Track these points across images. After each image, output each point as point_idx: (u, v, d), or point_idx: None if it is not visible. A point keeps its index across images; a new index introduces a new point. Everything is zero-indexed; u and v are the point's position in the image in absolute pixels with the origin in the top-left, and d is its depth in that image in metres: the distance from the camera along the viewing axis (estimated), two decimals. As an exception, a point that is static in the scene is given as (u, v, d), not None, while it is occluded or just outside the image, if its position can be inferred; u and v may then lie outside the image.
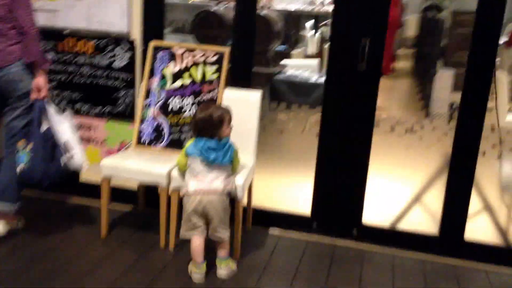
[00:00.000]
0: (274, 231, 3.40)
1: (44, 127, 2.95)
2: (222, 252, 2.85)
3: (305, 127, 4.26)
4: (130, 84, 3.45)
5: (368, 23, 3.07)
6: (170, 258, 3.01)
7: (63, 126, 3.00)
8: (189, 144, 2.81)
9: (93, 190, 3.55)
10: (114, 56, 3.43)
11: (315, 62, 5.64)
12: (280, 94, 3.28)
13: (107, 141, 3.59)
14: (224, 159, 2.75)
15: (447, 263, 3.14)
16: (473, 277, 3.04)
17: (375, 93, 3.16)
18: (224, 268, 2.84)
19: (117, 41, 3.41)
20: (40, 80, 2.94)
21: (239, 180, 2.89)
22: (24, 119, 2.98)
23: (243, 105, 3.18)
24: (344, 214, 3.36)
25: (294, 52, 6.14)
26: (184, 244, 3.04)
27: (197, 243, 2.76)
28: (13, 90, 2.92)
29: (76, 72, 3.51)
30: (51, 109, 3.00)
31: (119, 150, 3.56)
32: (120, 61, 3.43)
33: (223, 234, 2.79)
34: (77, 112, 3.53)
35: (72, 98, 3.55)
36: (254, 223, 3.38)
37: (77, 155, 3.02)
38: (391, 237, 3.32)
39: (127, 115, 3.50)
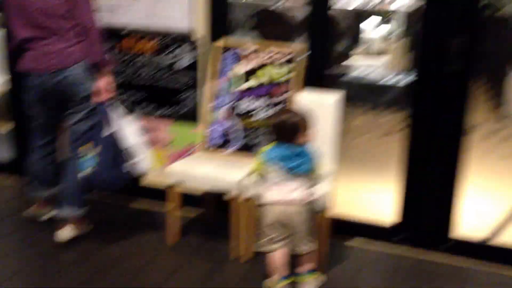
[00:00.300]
0: (355, 242, 3.15)
1: (107, 132, 2.80)
2: (307, 266, 2.61)
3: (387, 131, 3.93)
4: (194, 85, 3.27)
5: (460, 21, 2.78)
6: (245, 271, 2.79)
7: (129, 130, 2.84)
8: (266, 149, 2.59)
9: (155, 193, 3.40)
10: (176, 56, 3.26)
11: (382, 61, 5.34)
12: (350, 96, 3.03)
13: (172, 143, 3.42)
14: (305, 167, 2.51)
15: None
16: None
17: (467, 95, 2.86)
18: (311, 282, 2.60)
19: (179, 40, 3.23)
20: (102, 83, 2.79)
21: (323, 189, 2.65)
22: (86, 123, 2.84)
23: (320, 107, 2.93)
24: (433, 225, 3.05)
25: (356, 51, 5.86)
26: (257, 256, 2.83)
27: (278, 257, 2.53)
28: (74, 94, 2.78)
29: (139, 73, 3.35)
30: (116, 113, 2.84)
31: (183, 153, 3.39)
32: (183, 61, 3.25)
33: (309, 246, 2.56)
34: (140, 113, 3.37)
35: (135, 99, 3.39)
36: (333, 234, 3.13)
37: (142, 160, 2.85)
38: (488, 251, 2.99)
39: (192, 117, 3.31)
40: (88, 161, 2.75)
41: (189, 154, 3.36)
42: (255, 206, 2.68)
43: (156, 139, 3.41)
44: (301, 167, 2.50)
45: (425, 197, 3.02)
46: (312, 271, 2.61)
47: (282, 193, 2.49)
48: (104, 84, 2.78)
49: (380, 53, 6.34)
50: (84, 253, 2.90)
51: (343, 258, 2.96)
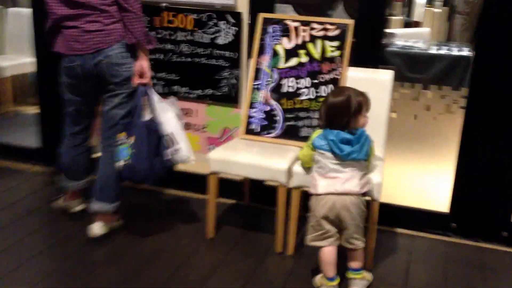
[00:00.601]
0: (405, 232, 2.94)
1: (147, 117, 2.59)
2: (356, 263, 2.41)
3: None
4: (235, 64, 3.03)
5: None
6: (291, 266, 2.61)
7: (168, 115, 2.63)
8: (316, 135, 2.37)
9: (191, 180, 3.23)
10: (217, 32, 3.01)
11: (426, 30, 4.99)
12: (396, 70, 2.77)
13: (208, 127, 3.21)
14: (360, 154, 2.29)
15: None
16: None
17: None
18: (360, 282, 2.41)
19: (220, 15, 2.98)
20: (144, 63, 2.57)
21: (377, 178, 2.43)
22: (125, 108, 2.63)
23: (371, 87, 2.66)
24: (489, 213, 2.83)
25: (392, 20, 5.52)
26: (304, 249, 2.65)
27: (330, 253, 2.34)
28: (113, 76, 2.56)
29: (174, 51, 3.12)
30: (155, 96, 2.63)
31: (221, 137, 3.19)
32: (224, 38, 3.01)
33: (359, 242, 2.36)
34: (174, 95, 3.15)
35: (169, 79, 3.18)
36: (380, 223, 2.91)
37: (183, 148, 2.65)
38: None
39: (231, 98, 3.09)
40: (124, 150, 2.56)
41: (226, 139, 3.16)
42: (305, 196, 2.47)
43: (190, 122, 3.21)
44: (357, 154, 2.28)
45: (482, 183, 2.80)
46: (360, 269, 2.41)
47: (337, 183, 2.28)
48: (145, 65, 2.56)
49: (418, 22, 5.98)
50: (117, 250, 2.71)
51: (392, 250, 2.78)
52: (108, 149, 2.69)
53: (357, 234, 2.34)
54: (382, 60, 2.86)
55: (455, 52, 4.17)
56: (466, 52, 4.17)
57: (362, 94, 2.35)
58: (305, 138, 2.78)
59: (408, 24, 5.78)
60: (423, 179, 3.50)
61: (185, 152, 2.65)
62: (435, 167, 3.54)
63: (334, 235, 2.33)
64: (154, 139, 2.57)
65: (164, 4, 3.05)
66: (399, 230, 2.96)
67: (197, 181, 3.13)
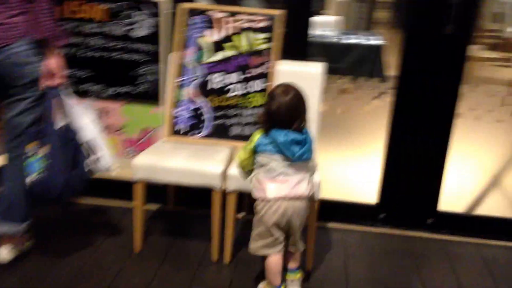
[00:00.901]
0: (337, 226, 2.90)
1: (60, 124, 2.27)
2: (295, 264, 2.31)
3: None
4: (155, 58, 2.77)
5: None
6: (231, 275, 2.43)
7: (85, 120, 2.32)
8: (257, 137, 2.20)
9: (108, 187, 2.93)
10: (132, 23, 2.72)
11: (332, 19, 4.98)
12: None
13: (125, 128, 2.92)
14: (309, 154, 2.17)
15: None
16: None
17: (463, 61, 2.62)
18: (298, 281, 2.31)
19: (136, 4, 2.70)
20: (54, 62, 2.23)
21: (317, 177, 2.33)
22: (31, 114, 2.26)
23: (302, 81, 2.54)
24: (416, 202, 2.87)
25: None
26: (241, 256, 2.51)
27: (277, 261, 2.19)
28: (17, 77, 2.19)
29: (81, 45, 2.79)
30: (69, 100, 2.31)
31: (140, 139, 2.92)
32: (141, 29, 2.73)
33: (301, 244, 2.25)
34: (85, 94, 2.83)
35: (79, 77, 2.84)
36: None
37: (105, 156, 2.36)
38: (472, 224, 2.88)
39: (151, 96, 2.83)
40: (35, 163, 2.21)
41: (147, 140, 2.90)
42: (253, 202, 2.30)
43: (105, 123, 2.89)
44: (307, 154, 2.16)
45: (408, 174, 2.82)
46: (298, 268, 2.32)
47: (287, 187, 2.14)
48: (55, 65, 2.22)
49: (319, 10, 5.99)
50: (31, 276, 2.34)
51: (326, 245, 2.72)
52: (14, 162, 2.31)
53: (301, 237, 2.23)
54: (308, 52, 2.75)
55: (365, 41, 4.20)
56: (375, 41, 4.22)
57: (301, 92, 2.22)
58: (236, 138, 2.63)
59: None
60: (352, 171, 3.49)
61: (107, 160, 2.36)
62: (364, 159, 3.54)
63: (282, 241, 2.20)
64: (70, 148, 2.25)
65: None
66: (331, 224, 2.91)
67: (115, 187, 2.86)
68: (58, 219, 2.83)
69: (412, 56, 2.65)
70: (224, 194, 2.41)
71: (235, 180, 2.35)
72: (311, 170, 2.24)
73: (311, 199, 2.24)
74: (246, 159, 2.26)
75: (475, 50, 6.07)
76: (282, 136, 2.11)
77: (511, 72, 6.79)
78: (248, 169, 2.28)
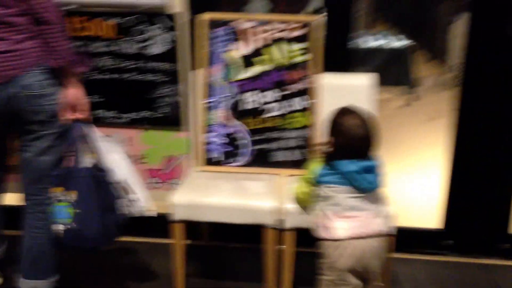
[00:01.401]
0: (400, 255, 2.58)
1: (88, 163, 1.90)
2: None
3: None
4: (173, 78, 2.41)
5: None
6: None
7: (116, 156, 1.96)
8: (317, 167, 1.90)
9: (136, 222, 2.56)
10: (146, 39, 2.36)
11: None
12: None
13: (147, 157, 2.56)
14: (377, 184, 1.89)
15: None
16: None
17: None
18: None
19: (148, 17, 2.34)
20: (74, 92, 1.86)
21: (390, 208, 2.03)
22: (53, 154, 1.89)
23: (351, 95, 2.28)
24: (486, 227, 2.60)
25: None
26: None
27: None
28: (32, 112, 1.82)
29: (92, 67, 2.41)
30: (96, 134, 1.94)
31: (165, 168, 2.56)
32: (156, 46, 2.37)
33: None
34: (97, 121, 2.44)
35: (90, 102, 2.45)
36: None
37: (140, 197, 2.01)
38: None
39: (174, 120, 2.47)
40: (63, 210, 1.84)
41: (173, 169, 2.55)
42: (317, 242, 1.98)
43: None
44: (375, 185, 1.88)
45: (476, 196, 2.55)
46: None
47: (360, 223, 1.85)
48: (75, 96, 1.85)
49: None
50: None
51: (397, 277, 2.43)
52: (36, 209, 1.95)
53: (377, 281, 1.94)
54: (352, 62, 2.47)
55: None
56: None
57: (369, 116, 1.93)
58: (278, 164, 2.32)
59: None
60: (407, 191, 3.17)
61: (143, 202, 2.01)
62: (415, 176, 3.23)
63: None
64: (102, 191, 1.89)
65: (73, 6, 2.30)
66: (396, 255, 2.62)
67: (143, 223, 2.49)
68: (82, 262, 2.45)
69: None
70: (278, 231, 2.10)
71: (294, 216, 2.05)
72: (383, 201, 1.95)
73: (387, 235, 1.96)
74: (305, 194, 1.96)
75: None
76: (350, 164, 1.81)
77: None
78: (307, 204, 1.98)
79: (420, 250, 2.62)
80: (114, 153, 1.96)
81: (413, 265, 2.55)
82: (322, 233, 1.89)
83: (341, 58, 2.40)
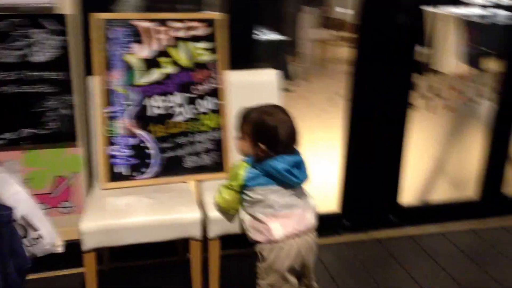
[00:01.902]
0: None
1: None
2: None
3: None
4: (65, 87, 2.14)
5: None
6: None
7: (13, 189, 1.66)
8: (243, 171, 1.81)
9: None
10: (30, 45, 2.05)
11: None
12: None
13: (31, 181, 2.24)
14: (305, 179, 1.86)
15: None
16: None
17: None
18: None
19: (35, 20, 2.03)
20: None
21: (312, 200, 2.01)
22: None
23: (259, 91, 2.23)
24: (378, 203, 2.76)
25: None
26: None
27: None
28: None
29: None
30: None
31: (54, 191, 2.27)
32: (43, 53, 2.07)
33: (315, 282, 1.95)
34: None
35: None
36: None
37: (44, 234, 1.73)
38: (430, 212, 2.87)
39: (64, 136, 2.19)
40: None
41: (64, 192, 2.27)
42: (251, 245, 1.88)
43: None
44: (304, 179, 1.85)
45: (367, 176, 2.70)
46: None
47: (294, 221, 1.80)
48: None
49: None
50: None
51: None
52: None
53: (314, 274, 1.92)
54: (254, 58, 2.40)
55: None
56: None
57: (287, 110, 1.88)
58: (193, 170, 2.18)
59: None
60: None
61: (49, 239, 1.74)
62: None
63: (297, 286, 1.86)
64: (3, 234, 1.59)
65: None
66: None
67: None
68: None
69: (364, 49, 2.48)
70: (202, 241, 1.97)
71: (220, 223, 1.93)
72: (308, 194, 1.93)
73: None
74: (229, 202, 1.86)
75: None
76: (279, 162, 1.75)
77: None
78: (231, 211, 1.89)
79: (321, 234, 2.69)
80: (11, 184, 1.66)
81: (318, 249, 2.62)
82: (257, 237, 1.82)
83: (245, 54, 2.33)
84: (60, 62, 2.10)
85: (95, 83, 2.08)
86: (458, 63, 3.73)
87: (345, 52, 6.86)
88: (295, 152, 1.84)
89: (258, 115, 1.83)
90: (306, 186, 1.90)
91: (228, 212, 1.91)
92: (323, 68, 5.85)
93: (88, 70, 2.10)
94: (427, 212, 2.86)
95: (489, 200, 2.90)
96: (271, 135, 1.77)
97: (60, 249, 1.78)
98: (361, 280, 2.37)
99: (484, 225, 2.86)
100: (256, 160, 1.81)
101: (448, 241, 2.70)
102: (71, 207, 2.30)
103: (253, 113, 1.85)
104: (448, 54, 3.79)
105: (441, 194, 2.87)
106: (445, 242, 2.69)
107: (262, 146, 1.77)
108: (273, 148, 1.77)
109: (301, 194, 1.86)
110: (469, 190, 2.91)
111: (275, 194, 1.80)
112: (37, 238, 1.70)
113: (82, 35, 2.10)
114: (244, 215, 1.87)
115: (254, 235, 1.83)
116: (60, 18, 2.05)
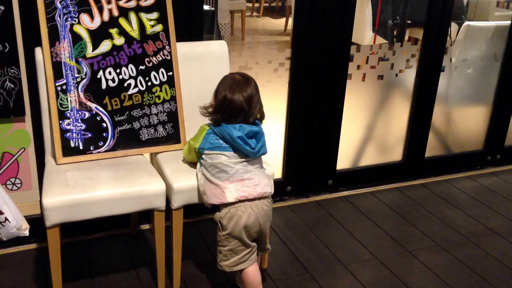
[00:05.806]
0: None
1: None
2: (265, 265, 2.18)
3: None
4: (10, 59, 2.04)
5: None
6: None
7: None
8: (203, 135, 1.91)
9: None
10: (-33, 14, 1.93)
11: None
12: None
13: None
14: (264, 148, 1.96)
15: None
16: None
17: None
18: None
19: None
20: None
21: (270, 170, 2.11)
22: None
23: (209, 62, 2.27)
24: (318, 169, 2.93)
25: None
26: (190, 278, 2.18)
27: (256, 272, 1.96)
28: None
29: None
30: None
31: (0, 168, 2.18)
32: (-19, 22, 1.96)
33: (268, 244, 2.08)
34: None
35: None
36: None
37: (9, 217, 1.67)
38: (362, 175, 3.09)
39: (10, 110, 2.10)
40: None
41: (10, 168, 2.20)
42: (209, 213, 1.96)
43: None
44: (263, 149, 1.94)
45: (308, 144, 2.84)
46: None
47: (249, 186, 1.89)
48: None
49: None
50: None
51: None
52: None
53: (268, 237, 2.05)
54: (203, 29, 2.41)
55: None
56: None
57: (251, 79, 1.95)
58: (149, 142, 2.20)
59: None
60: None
61: (15, 223, 1.68)
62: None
63: (255, 249, 1.97)
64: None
65: None
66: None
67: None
68: None
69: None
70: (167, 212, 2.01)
71: (183, 193, 1.98)
72: (265, 163, 2.03)
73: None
74: (190, 157, 2.03)
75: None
76: (236, 130, 1.84)
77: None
78: (200, 172, 1.97)
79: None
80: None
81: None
82: (212, 200, 1.90)
83: (192, 25, 2.35)
84: (5, 33, 2.00)
85: (43, 55, 2.01)
86: (372, 35, 3.96)
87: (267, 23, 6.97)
88: (254, 124, 1.92)
89: (226, 79, 1.92)
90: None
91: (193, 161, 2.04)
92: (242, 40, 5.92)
93: (36, 42, 2.01)
94: (359, 175, 3.07)
95: (413, 163, 3.18)
96: (227, 102, 1.86)
97: (26, 233, 1.74)
98: (306, 239, 2.53)
99: (409, 184, 3.14)
100: (215, 124, 1.89)
101: (379, 200, 2.95)
102: (20, 183, 2.23)
103: (222, 84, 1.91)
104: (363, 27, 4.02)
105: (371, 158, 3.09)
106: (376, 201, 2.93)
107: (218, 108, 1.87)
108: (229, 112, 1.86)
109: (256, 163, 1.95)
110: (396, 154, 3.17)
111: (229, 160, 1.87)
112: (3, 222, 1.65)
113: (28, 4, 2.01)
114: (200, 179, 1.94)
115: (209, 199, 1.91)
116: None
